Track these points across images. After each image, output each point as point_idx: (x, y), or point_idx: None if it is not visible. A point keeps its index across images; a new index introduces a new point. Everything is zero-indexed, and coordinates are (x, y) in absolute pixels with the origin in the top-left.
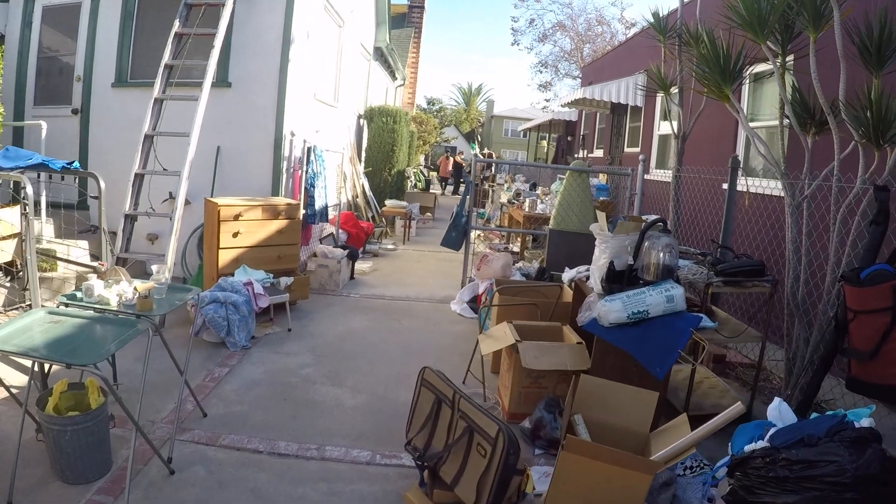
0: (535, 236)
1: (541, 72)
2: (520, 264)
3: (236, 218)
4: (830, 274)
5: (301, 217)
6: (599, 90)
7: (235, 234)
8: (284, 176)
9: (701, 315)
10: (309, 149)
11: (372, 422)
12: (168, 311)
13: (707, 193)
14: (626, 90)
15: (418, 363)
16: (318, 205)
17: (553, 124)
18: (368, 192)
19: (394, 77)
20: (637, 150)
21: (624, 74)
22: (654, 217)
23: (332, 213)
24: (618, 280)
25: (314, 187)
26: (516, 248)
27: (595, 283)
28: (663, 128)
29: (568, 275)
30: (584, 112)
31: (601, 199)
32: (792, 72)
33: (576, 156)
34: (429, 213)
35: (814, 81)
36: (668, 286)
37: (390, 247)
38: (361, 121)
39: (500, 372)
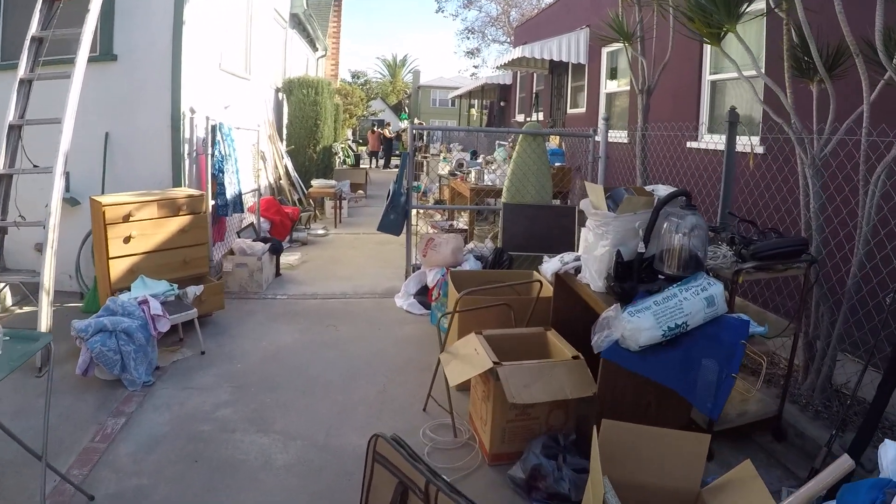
0: (479, 211)
1: (468, 38)
2: (471, 245)
3: (126, 219)
4: (864, 246)
5: (209, 209)
6: (539, 48)
7: (127, 239)
8: (187, 162)
9: (746, 319)
10: (213, 127)
11: (313, 489)
12: (6, 374)
13: (678, 154)
14: (567, 47)
15: (364, 388)
16: (229, 193)
17: (485, 90)
18: (292, 173)
19: (314, 48)
20: (582, 110)
21: (562, 32)
22: (669, 188)
23: (250, 200)
24: (628, 276)
25: (223, 173)
26: (460, 224)
27: (592, 278)
28: (610, 86)
29: (549, 266)
30: (518, 74)
31: (557, 164)
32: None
33: (527, 119)
34: (360, 191)
35: (839, 16)
36: (702, 283)
37: (320, 232)
38: (280, 95)
39: (472, 397)
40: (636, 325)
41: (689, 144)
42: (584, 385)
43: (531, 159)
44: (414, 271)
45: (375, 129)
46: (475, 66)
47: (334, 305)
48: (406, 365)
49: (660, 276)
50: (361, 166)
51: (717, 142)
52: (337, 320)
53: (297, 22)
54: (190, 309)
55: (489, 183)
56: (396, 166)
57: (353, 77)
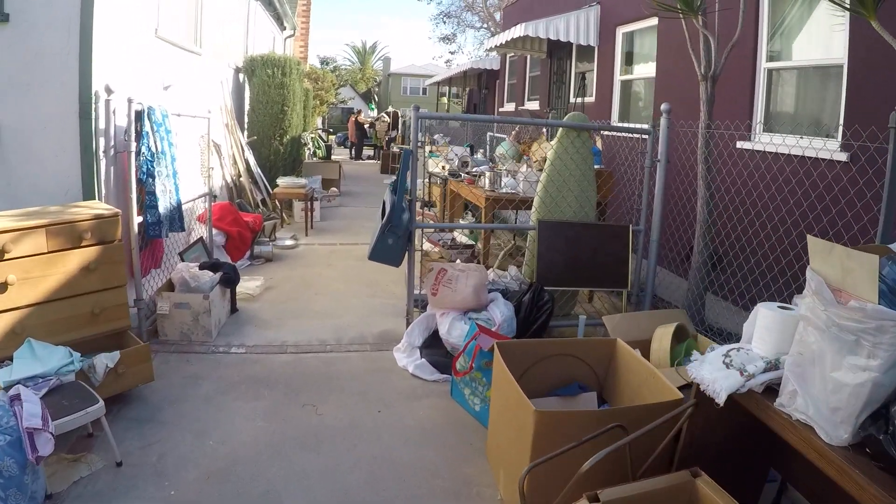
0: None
1: (444, 22)
2: (491, 275)
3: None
4: None
5: (134, 231)
6: (543, 27)
7: (3, 287)
8: (104, 163)
9: None
10: (139, 113)
11: None
12: None
13: (725, 157)
14: (575, 26)
15: None
16: (163, 205)
17: (468, 76)
18: (255, 169)
19: (282, 26)
20: (590, 99)
21: (565, 10)
22: None
23: (200, 207)
24: None
25: (154, 177)
26: (461, 238)
27: (826, 421)
28: (627, 72)
29: (716, 376)
30: (508, 59)
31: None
32: None
33: (520, 107)
34: (334, 188)
35: None
36: None
37: (289, 243)
38: (241, 76)
39: None
40: None
41: (739, 145)
42: None
43: (573, 162)
44: (418, 313)
45: (354, 115)
46: (451, 53)
47: (311, 364)
48: (432, 488)
49: None
50: (333, 159)
51: (777, 143)
52: (317, 394)
53: None
54: (92, 403)
55: (509, 189)
56: (369, 157)
57: (321, 63)
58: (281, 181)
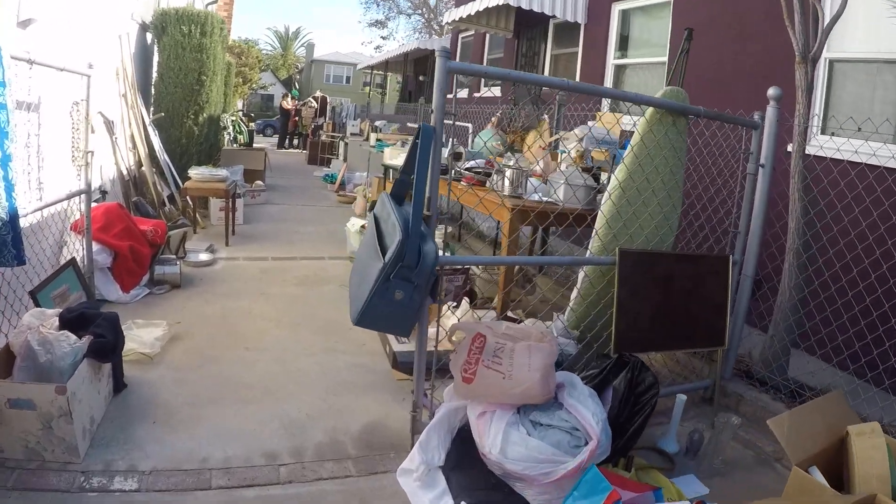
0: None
1: (378, 3)
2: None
3: None
4: None
5: None
6: None
7: None
8: None
9: None
10: None
11: None
12: None
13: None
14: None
15: None
16: None
17: (408, 59)
18: (162, 155)
19: None
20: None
21: None
22: None
23: (75, 213)
24: None
25: None
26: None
27: None
28: (623, 56)
29: None
30: (460, 39)
31: None
32: None
33: (471, 94)
34: (259, 182)
35: None
36: None
37: (204, 257)
38: (149, 36)
39: None
40: None
41: (789, 148)
42: None
43: (663, 162)
44: (435, 407)
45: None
46: (383, 38)
47: None
48: None
49: None
50: (256, 146)
51: (838, 147)
52: None
53: None
54: None
55: (541, 197)
56: (295, 146)
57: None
58: (194, 173)
